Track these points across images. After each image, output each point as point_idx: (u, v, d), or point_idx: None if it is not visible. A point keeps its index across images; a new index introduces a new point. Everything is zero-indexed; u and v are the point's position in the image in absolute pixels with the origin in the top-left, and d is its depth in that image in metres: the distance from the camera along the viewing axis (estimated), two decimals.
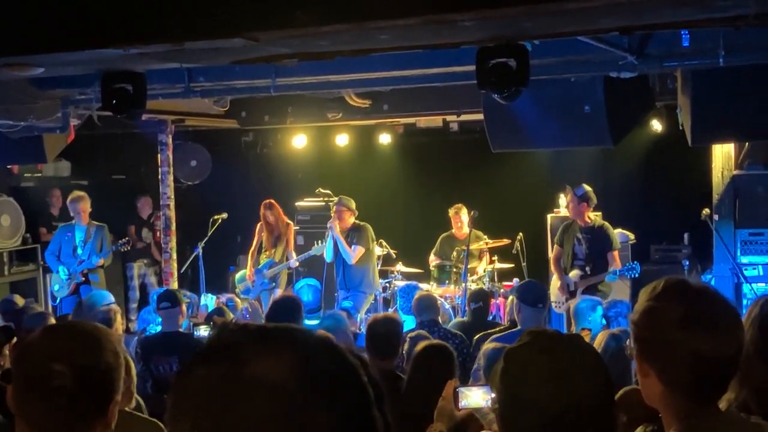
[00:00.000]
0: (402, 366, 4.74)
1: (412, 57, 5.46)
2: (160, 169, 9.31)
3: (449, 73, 5.83)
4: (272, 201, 9.14)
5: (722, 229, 7.36)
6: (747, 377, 2.10)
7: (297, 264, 9.16)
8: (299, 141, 10.89)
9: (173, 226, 9.36)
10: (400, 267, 9.52)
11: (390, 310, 8.59)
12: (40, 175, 10.80)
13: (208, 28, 3.91)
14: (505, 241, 9.20)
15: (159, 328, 6.26)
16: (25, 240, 9.65)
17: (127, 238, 9.18)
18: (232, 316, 6.99)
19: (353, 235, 8.62)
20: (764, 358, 2.26)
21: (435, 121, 9.71)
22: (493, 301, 7.77)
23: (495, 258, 9.23)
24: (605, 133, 6.13)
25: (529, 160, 10.29)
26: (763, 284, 7.25)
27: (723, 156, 7.46)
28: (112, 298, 6.60)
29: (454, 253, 9.05)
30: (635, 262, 7.74)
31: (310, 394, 0.94)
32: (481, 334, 5.62)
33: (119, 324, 6.28)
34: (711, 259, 7.64)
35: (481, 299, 6.76)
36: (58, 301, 8.85)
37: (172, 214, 9.34)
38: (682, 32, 5.09)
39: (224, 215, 9.50)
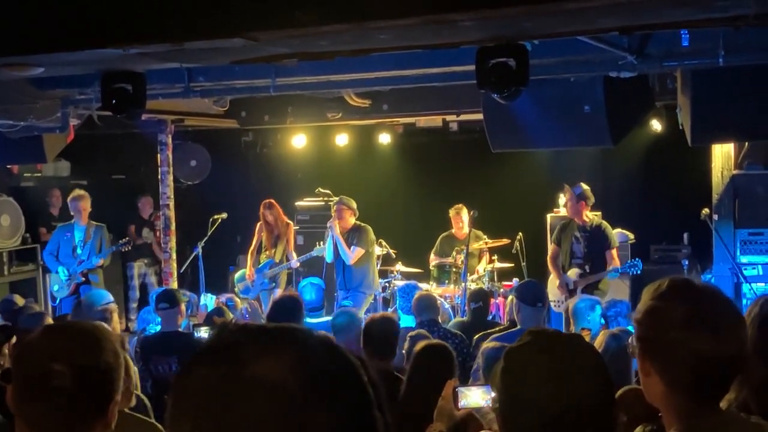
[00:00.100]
0: (403, 365, 4.74)
1: (412, 57, 5.46)
2: (159, 169, 9.31)
3: (449, 73, 5.83)
4: (272, 201, 9.14)
5: (722, 228, 7.37)
6: (747, 377, 2.10)
7: (298, 265, 9.16)
8: (299, 141, 10.89)
9: (173, 226, 9.36)
10: (399, 267, 9.51)
11: (389, 309, 8.59)
12: (39, 175, 10.80)
13: (208, 28, 3.91)
14: (505, 241, 9.20)
15: (158, 328, 6.26)
16: (25, 240, 9.65)
17: (127, 238, 9.18)
18: (231, 316, 6.98)
19: (353, 235, 8.62)
20: (764, 358, 2.26)
21: (435, 120, 9.71)
22: (492, 300, 7.77)
23: (495, 258, 9.23)
24: (605, 133, 6.13)
25: (529, 160, 10.29)
26: (763, 284, 7.25)
27: (723, 156, 7.46)
28: (110, 297, 6.58)
29: (454, 253, 9.05)
30: (637, 258, 7.76)
31: (310, 394, 0.94)
32: (480, 333, 5.62)
33: (116, 323, 6.28)
34: (711, 259, 7.65)
35: (481, 299, 6.76)
36: (57, 301, 8.84)
37: (172, 213, 9.34)
38: (682, 32, 5.09)
39: (224, 215, 9.50)
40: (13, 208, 9.51)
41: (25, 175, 10.62)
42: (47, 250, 8.89)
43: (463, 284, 8.43)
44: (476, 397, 2.65)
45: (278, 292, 8.65)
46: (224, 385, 0.94)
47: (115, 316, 6.30)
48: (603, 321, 5.85)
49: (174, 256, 9.40)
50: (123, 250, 9.09)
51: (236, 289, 9.21)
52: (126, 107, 5.72)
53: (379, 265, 9.17)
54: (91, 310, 6.23)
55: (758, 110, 5.71)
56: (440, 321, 6.41)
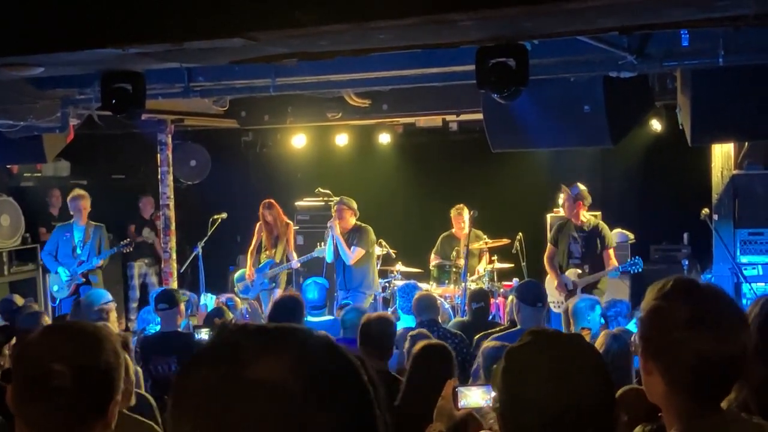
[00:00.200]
0: (404, 365, 4.74)
1: (412, 57, 5.46)
2: (159, 169, 9.31)
3: (449, 73, 5.83)
4: (271, 201, 9.14)
5: (722, 228, 7.37)
6: (747, 377, 2.10)
7: (298, 265, 9.16)
8: (299, 141, 10.89)
9: (173, 226, 9.36)
10: (399, 267, 9.51)
11: (389, 309, 8.59)
12: (39, 175, 10.80)
13: (208, 28, 3.91)
14: (505, 241, 9.20)
15: (158, 328, 6.26)
16: (25, 240, 9.65)
17: (128, 240, 9.17)
18: (231, 315, 6.99)
19: (354, 236, 8.62)
20: (764, 358, 2.26)
21: (434, 120, 9.71)
22: (492, 300, 7.78)
23: (495, 258, 9.23)
24: (605, 133, 6.14)
25: (529, 160, 10.28)
26: (763, 284, 7.25)
27: (722, 156, 7.46)
28: (110, 297, 6.59)
29: (454, 253, 9.05)
30: (637, 257, 7.77)
31: (310, 394, 0.94)
32: (481, 333, 5.63)
33: (113, 322, 6.28)
34: (710, 259, 7.65)
35: (482, 299, 6.77)
36: (57, 301, 8.84)
37: (172, 213, 9.34)
38: (682, 32, 5.09)
39: (224, 215, 9.50)
40: (13, 208, 9.51)
41: (25, 175, 10.62)
42: (46, 250, 8.89)
43: (463, 284, 8.43)
44: (476, 397, 2.65)
45: (278, 292, 8.65)
46: (224, 385, 0.94)
47: (112, 316, 6.30)
48: (603, 321, 5.85)
49: (174, 256, 9.40)
50: (125, 251, 9.09)
51: (236, 289, 9.21)
52: (126, 107, 5.73)
53: (379, 265, 9.17)
54: (89, 309, 6.24)
55: (758, 110, 5.71)
56: (440, 321, 6.41)
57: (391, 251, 9.57)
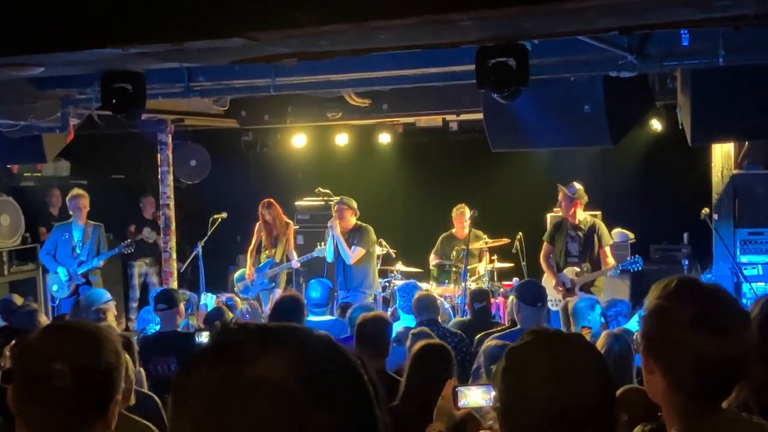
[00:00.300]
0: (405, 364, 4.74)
1: (412, 56, 5.46)
2: (159, 169, 9.31)
3: (449, 73, 5.83)
4: (271, 200, 9.14)
5: (722, 228, 7.37)
6: (747, 377, 2.10)
7: (298, 265, 9.16)
8: (299, 140, 10.89)
9: (173, 226, 9.36)
10: (399, 266, 9.51)
11: (389, 309, 8.59)
12: (39, 174, 10.80)
13: (208, 28, 3.91)
14: (505, 241, 9.20)
15: (158, 328, 6.26)
16: (25, 240, 9.64)
17: (129, 240, 9.17)
18: (231, 315, 6.99)
19: (354, 235, 8.62)
20: (764, 358, 2.26)
21: (435, 120, 9.71)
22: (492, 300, 7.78)
23: (495, 257, 9.23)
24: (605, 132, 6.13)
25: (529, 159, 10.29)
26: (763, 284, 7.25)
27: (723, 156, 7.46)
28: (109, 296, 6.59)
29: (454, 253, 9.05)
30: (637, 255, 7.77)
31: (310, 394, 0.94)
32: (482, 333, 5.63)
33: (112, 322, 6.27)
34: (710, 259, 7.65)
35: (484, 299, 6.78)
36: (57, 301, 8.84)
37: (172, 213, 9.34)
38: (682, 32, 5.09)
39: (224, 215, 9.49)
40: (13, 208, 9.50)
41: (24, 174, 10.62)
42: (44, 250, 8.88)
43: (463, 284, 8.43)
44: (476, 396, 2.64)
45: (278, 292, 8.66)
46: (225, 385, 0.94)
47: (110, 316, 6.29)
48: (603, 320, 5.86)
49: (174, 255, 9.40)
50: (126, 252, 9.09)
51: (236, 289, 9.21)
52: (126, 107, 5.73)
53: (379, 265, 9.17)
54: (88, 309, 6.24)
55: (758, 110, 5.71)
56: (440, 321, 6.41)
57: (391, 251, 9.57)
